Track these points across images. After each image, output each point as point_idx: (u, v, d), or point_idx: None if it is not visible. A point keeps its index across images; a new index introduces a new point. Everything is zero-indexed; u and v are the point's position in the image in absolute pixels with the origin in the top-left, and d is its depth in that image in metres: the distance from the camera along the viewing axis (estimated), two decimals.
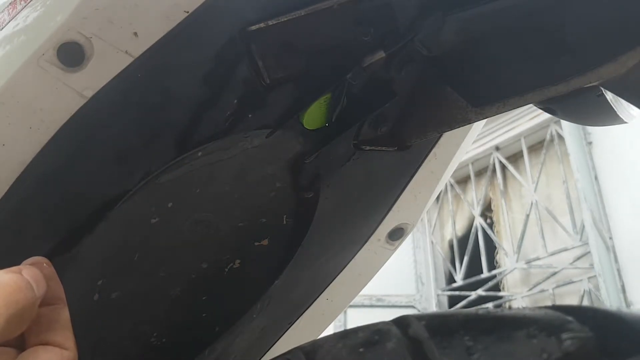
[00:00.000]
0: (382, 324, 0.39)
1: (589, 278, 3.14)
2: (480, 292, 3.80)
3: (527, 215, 3.63)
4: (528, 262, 3.53)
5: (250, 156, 0.56)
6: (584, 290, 3.15)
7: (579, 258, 3.25)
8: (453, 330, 0.35)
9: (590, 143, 3.32)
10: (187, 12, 0.43)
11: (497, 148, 4.01)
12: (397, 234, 0.72)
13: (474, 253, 3.94)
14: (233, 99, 0.50)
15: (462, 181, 4.35)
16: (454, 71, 0.55)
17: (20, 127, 0.44)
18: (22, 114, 0.44)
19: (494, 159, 4.03)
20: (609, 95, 0.53)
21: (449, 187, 4.31)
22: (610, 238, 3.05)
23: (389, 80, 0.55)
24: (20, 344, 0.35)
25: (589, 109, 0.55)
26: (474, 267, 3.94)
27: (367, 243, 0.71)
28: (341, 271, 0.73)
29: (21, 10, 0.45)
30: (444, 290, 4.17)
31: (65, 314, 0.37)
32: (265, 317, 0.69)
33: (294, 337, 0.75)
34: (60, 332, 0.36)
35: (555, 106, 0.57)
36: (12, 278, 0.32)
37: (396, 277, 4.17)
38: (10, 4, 0.47)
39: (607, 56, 0.45)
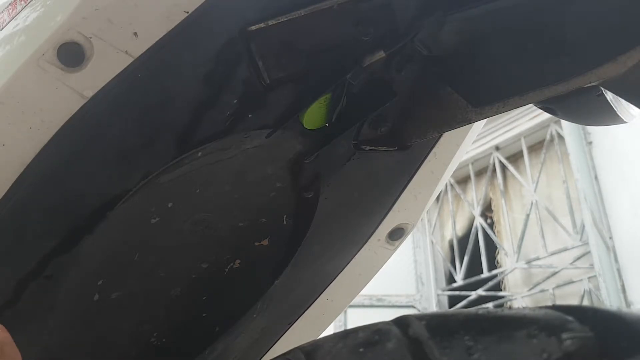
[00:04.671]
0: (382, 324, 0.39)
1: (589, 278, 3.14)
2: (480, 292, 3.80)
3: (527, 215, 3.63)
4: (528, 262, 3.53)
5: (250, 156, 0.56)
6: (584, 290, 3.15)
7: (579, 258, 3.25)
8: (453, 330, 0.35)
9: (590, 143, 3.32)
10: (187, 12, 0.43)
11: (497, 148, 4.01)
12: (397, 234, 0.72)
13: (474, 253, 3.94)
14: (233, 99, 0.50)
15: (462, 181, 4.35)
16: (454, 71, 0.55)
17: (20, 127, 0.44)
18: (22, 114, 0.44)
19: (494, 159, 4.03)
20: (609, 95, 0.53)
21: (449, 187, 4.31)
22: (610, 238, 3.05)
23: (389, 80, 0.55)
24: None
25: (589, 109, 0.55)
26: (474, 267, 3.94)
27: (367, 243, 0.71)
28: (341, 271, 0.73)
29: (21, 10, 0.45)
30: (444, 290, 4.17)
31: None
32: (265, 317, 0.68)
33: (294, 337, 0.75)
34: None
35: (555, 106, 0.57)
36: None
37: (396, 277, 4.17)
38: (10, 4, 0.47)
39: (607, 56, 0.45)
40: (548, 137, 3.66)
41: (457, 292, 4.04)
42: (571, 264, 3.30)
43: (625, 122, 0.56)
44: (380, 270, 0.76)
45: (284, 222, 0.63)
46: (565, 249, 3.36)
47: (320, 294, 0.74)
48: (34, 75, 0.43)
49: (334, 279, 0.73)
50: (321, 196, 0.61)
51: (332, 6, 0.46)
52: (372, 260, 0.73)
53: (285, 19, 0.46)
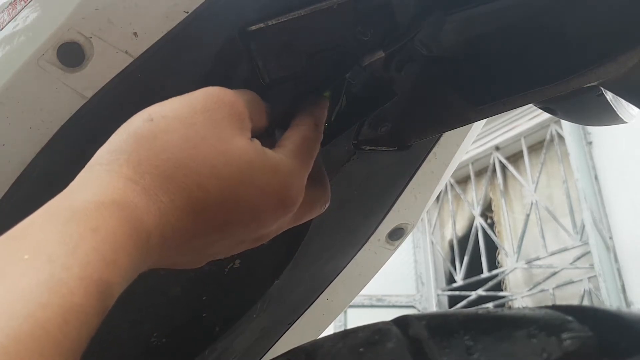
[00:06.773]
0: (382, 324, 0.39)
1: (589, 278, 3.14)
2: (480, 292, 3.80)
3: (528, 215, 3.63)
4: (528, 262, 3.53)
5: None
6: (584, 290, 3.15)
7: (579, 258, 3.25)
8: (453, 330, 0.36)
9: (590, 143, 3.32)
10: (187, 12, 0.43)
11: (497, 148, 4.01)
12: (397, 234, 0.72)
13: (474, 253, 3.94)
14: None
15: (462, 181, 4.35)
16: (454, 71, 0.55)
17: (20, 127, 0.44)
18: (22, 114, 0.44)
19: (494, 159, 4.03)
20: (609, 95, 0.53)
21: (449, 187, 4.31)
22: (610, 238, 3.05)
23: (389, 80, 0.55)
24: None
25: (589, 109, 0.55)
26: (474, 267, 3.94)
27: (367, 243, 0.71)
28: (341, 271, 0.73)
29: (21, 10, 0.45)
30: (444, 290, 4.17)
31: None
32: (265, 317, 0.69)
33: (294, 337, 0.75)
34: None
35: (555, 106, 0.57)
36: None
37: (396, 277, 4.18)
38: (10, 4, 0.47)
39: (607, 56, 0.45)
40: (548, 137, 3.67)
41: (457, 292, 4.04)
42: (571, 264, 3.30)
43: (625, 122, 0.57)
44: (380, 270, 0.76)
45: None
46: (566, 249, 3.36)
47: (320, 294, 0.74)
48: (34, 75, 0.43)
49: (334, 279, 0.73)
50: None
51: (332, 6, 0.46)
52: (372, 260, 0.73)
53: (285, 19, 0.46)
